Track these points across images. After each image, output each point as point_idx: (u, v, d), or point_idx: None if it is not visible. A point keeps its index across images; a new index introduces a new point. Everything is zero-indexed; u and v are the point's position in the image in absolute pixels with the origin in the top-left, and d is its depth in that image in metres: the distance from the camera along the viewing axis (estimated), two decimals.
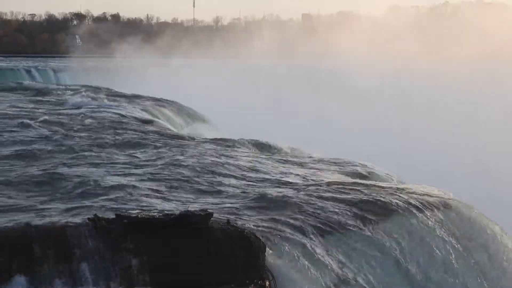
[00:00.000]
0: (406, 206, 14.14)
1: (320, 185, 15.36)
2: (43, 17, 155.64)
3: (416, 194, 15.07)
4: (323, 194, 14.46)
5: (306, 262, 11.32)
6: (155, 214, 11.04)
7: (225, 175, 16.01)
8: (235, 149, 20.54)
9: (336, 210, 13.41)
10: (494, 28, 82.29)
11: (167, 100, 35.62)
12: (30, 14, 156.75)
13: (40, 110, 28.09)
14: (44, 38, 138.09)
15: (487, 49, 77.71)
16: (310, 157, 21.34)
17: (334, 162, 19.09)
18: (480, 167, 43.42)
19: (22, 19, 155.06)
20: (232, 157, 18.59)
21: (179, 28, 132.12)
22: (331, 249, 12.07)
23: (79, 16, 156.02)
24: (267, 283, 10.64)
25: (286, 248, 11.41)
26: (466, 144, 48.48)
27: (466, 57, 75.16)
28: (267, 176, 16.26)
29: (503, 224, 15.59)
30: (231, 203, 13.40)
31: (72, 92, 36.56)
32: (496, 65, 73.35)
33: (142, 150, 19.21)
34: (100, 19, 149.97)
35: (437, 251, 13.36)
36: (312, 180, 16.16)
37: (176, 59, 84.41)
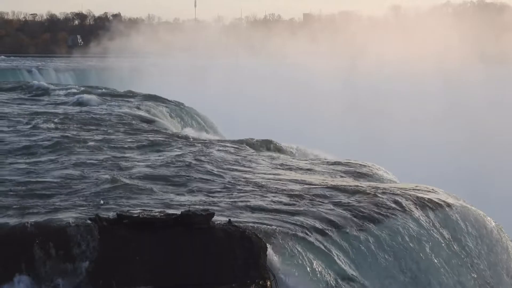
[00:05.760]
0: (406, 206, 14.15)
1: (321, 185, 15.36)
2: (45, 17, 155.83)
3: (415, 194, 15.09)
4: (324, 194, 14.47)
5: (307, 262, 11.33)
6: (156, 214, 11.05)
7: (226, 175, 16.01)
8: (238, 149, 20.55)
9: (337, 210, 13.42)
10: None
11: (167, 100, 35.59)
12: (31, 14, 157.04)
13: (41, 110, 28.10)
14: (46, 38, 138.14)
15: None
16: (312, 157, 21.37)
17: (336, 163, 19.10)
18: (481, 167, 43.46)
19: (23, 19, 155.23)
20: (234, 157, 18.60)
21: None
22: (332, 249, 12.07)
23: (81, 16, 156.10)
24: (268, 283, 10.65)
25: (287, 247, 11.41)
26: (466, 144, 48.49)
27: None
28: (268, 177, 16.26)
29: (503, 223, 15.63)
30: (232, 203, 13.41)
31: (73, 92, 36.55)
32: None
33: (143, 149, 19.22)
34: (102, 19, 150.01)
35: (436, 250, 13.38)
36: (313, 180, 16.17)
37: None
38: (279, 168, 17.53)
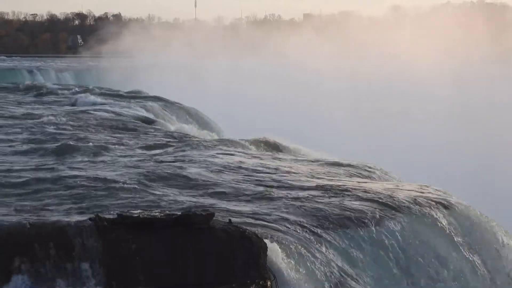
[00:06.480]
0: (407, 206, 14.16)
1: (323, 185, 15.38)
2: (45, 17, 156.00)
3: (417, 194, 15.09)
4: (325, 194, 14.49)
5: (308, 262, 11.33)
6: (157, 214, 11.05)
7: (227, 175, 16.02)
8: (238, 148, 20.56)
9: (338, 210, 13.43)
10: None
11: (167, 100, 35.64)
12: (31, 14, 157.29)
13: (42, 110, 28.13)
14: (46, 38, 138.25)
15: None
16: (313, 157, 21.37)
17: (337, 163, 19.10)
18: (481, 167, 43.44)
19: (23, 19, 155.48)
20: (235, 157, 18.61)
21: None
22: (333, 249, 12.08)
23: (81, 16, 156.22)
24: (269, 283, 10.65)
25: (288, 247, 11.41)
26: (467, 144, 48.49)
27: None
28: (269, 176, 16.27)
29: (503, 223, 15.63)
30: (232, 203, 13.42)
31: (74, 92, 36.60)
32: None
33: (144, 150, 19.23)
34: (102, 19, 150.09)
35: (438, 251, 13.38)
36: (314, 180, 16.17)
37: None
38: (279, 168, 17.53)
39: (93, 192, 13.59)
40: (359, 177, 17.60)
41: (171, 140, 21.33)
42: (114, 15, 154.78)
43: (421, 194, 15.15)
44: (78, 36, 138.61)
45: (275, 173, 16.69)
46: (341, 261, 11.93)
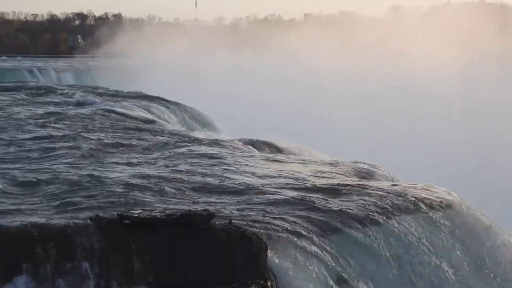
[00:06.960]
0: (409, 206, 14.17)
1: (323, 185, 15.37)
2: (45, 17, 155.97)
3: (418, 193, 15.09)
4: (326, 194, 14.48)
5: (309, 262, 11.34)
6: (157, 214, 11.07)
7: (227, 175, 16.02)
8: (238, 149, 20.56)
9: (339, 210, 13.43)
10: None
11: (168, 100, 35.62)
12: (32, 14, 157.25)
13: (42, 110, 28.12)
14: (46, 38, 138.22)
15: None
16: (313, 157, 21.38)
17: (338, 162, 19.10)
18: (481, 167, 43.44)
19: (24, 19, 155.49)
20: (235, 157, 18.61)
21: None
22: (334, 249, 12.08)
23: (81, 16, 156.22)
24: (269, 283, 10.66)
25: (288, 248, 11.43)
26: (466, 144, 48.49)
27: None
28: (270, 176, 16.28)
29: (503, 223, 15.64)
30: (233, 203, 13.43)
31: (74, 92, 36.57)
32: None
33: (145, 150, 19.23)
34: (102, 19, 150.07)
35: (439, 251, 13.39)
36: (315, 180, 16.18)
37: None
38: (279, 168, 17.54)
39: (93, 192, 13.60)
40: (358, 176, 17.59)
41: (170, 140, 21.31)
42: (114, 15, 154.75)
43: (421, 193, 15.13)
44: (79, 36, 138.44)
45: (274, 173, 16.70)
46: (342, 261, 11.94)
